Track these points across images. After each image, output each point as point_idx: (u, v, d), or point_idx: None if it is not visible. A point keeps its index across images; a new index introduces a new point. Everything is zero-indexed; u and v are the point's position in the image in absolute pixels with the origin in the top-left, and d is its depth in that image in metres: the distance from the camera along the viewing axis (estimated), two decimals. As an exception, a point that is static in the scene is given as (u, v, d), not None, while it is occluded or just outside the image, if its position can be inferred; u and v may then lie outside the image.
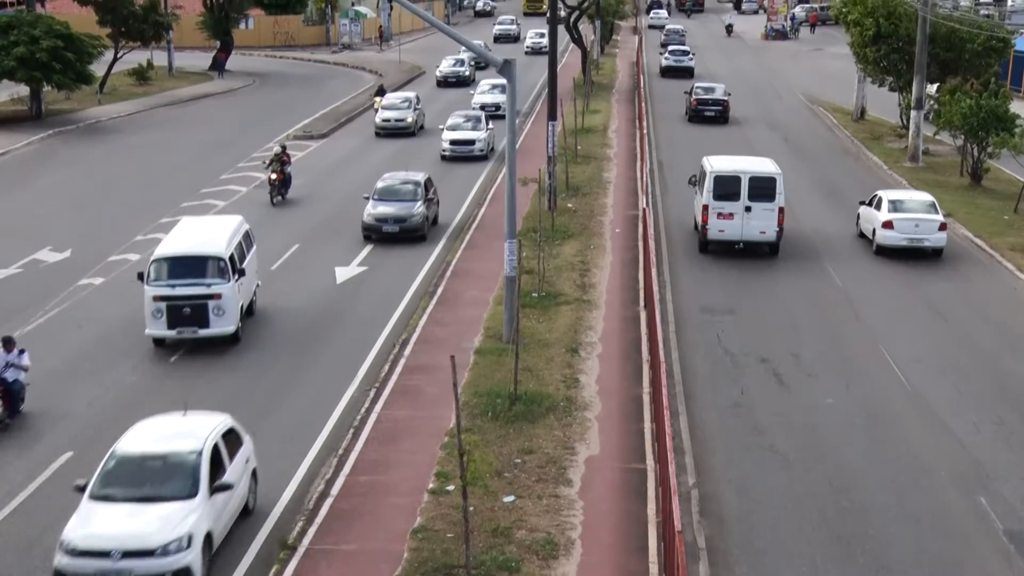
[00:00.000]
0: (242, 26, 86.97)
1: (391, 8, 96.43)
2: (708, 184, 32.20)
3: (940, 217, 32.75)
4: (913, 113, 45.83)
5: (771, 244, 32.38)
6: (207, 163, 45.23)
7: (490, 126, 47.38)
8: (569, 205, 37.46)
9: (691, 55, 74.31)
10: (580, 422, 20.93)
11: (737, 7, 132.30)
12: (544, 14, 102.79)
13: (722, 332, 26.24)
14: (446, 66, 69.74)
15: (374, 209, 33.50)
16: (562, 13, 61.87)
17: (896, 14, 48.34)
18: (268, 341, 25.54)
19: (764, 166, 33.29)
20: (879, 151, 48.25)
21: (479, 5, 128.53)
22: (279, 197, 38.19)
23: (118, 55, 64.17)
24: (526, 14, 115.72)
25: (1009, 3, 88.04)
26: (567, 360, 23.97)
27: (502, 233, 25.83)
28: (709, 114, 54.66)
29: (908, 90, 47.55)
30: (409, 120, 51.11)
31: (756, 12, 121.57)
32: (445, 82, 68.44)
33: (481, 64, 68.82)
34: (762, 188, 31.81)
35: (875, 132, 52.84)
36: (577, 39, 67.65)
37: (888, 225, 32.24)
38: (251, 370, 23.92)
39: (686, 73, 70.70)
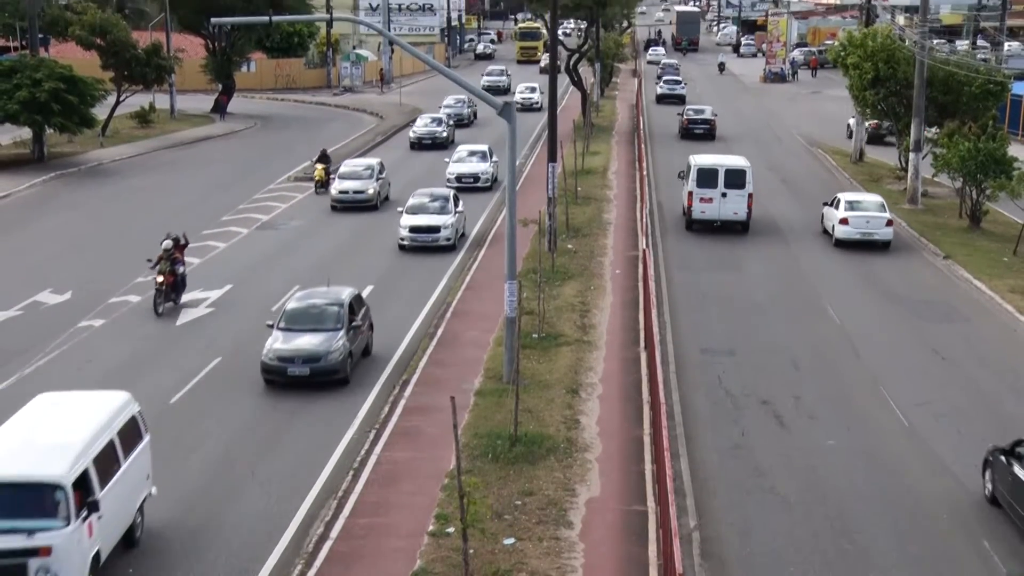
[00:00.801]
0: (244, 69, 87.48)
1: (392, 51, 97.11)
2: (692, 175, 40.18)
3: (887, 215, 38.67)
4: (911, 156, 46.03)
5: (742, 223, 40.14)
6: (208, 205, 45.37)
7: (459, 207, 39.38)
8: (569, 246, 37.53)
9: (683, 84, 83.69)
10: (581, 464, 20.87)
11: (736, 50, 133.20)
12: (538, 62, 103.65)
13: (722, 373, 26.21)
14: (421, 126, 61.72)
15: (278, 343, 24.95)
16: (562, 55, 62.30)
17: (894, 58, 48.61)
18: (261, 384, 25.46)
19: (737, 161, 41.36)
20: (878, 193, 48.32)
21: (480, 48, 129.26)
22: (168, 303, 30.54)
23: (121, 98, 64.53)
24: (520, 62, 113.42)
25: (1006, 48, 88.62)
26: (567, 401, 23.94)
27: (502, 274, 25.87)
28: (698, 131, 62.48)
29: (906, 133, 47.80)
30: (371, 192, 43.68)
31: (754, 55, 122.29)
32: (419, 144, 60.06)
33: (465, 120, 67.61)
34: (735, 178, 39.74)
35: (874, 174, 53.01)
36: (577, 82, 68.02)
37: (844, 221, 38.19)
38: (251, 412, 23.85)
39: (679, 100, 78.72)
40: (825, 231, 39.78)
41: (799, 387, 25.44)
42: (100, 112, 58.76)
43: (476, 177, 47.89)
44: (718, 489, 20.30)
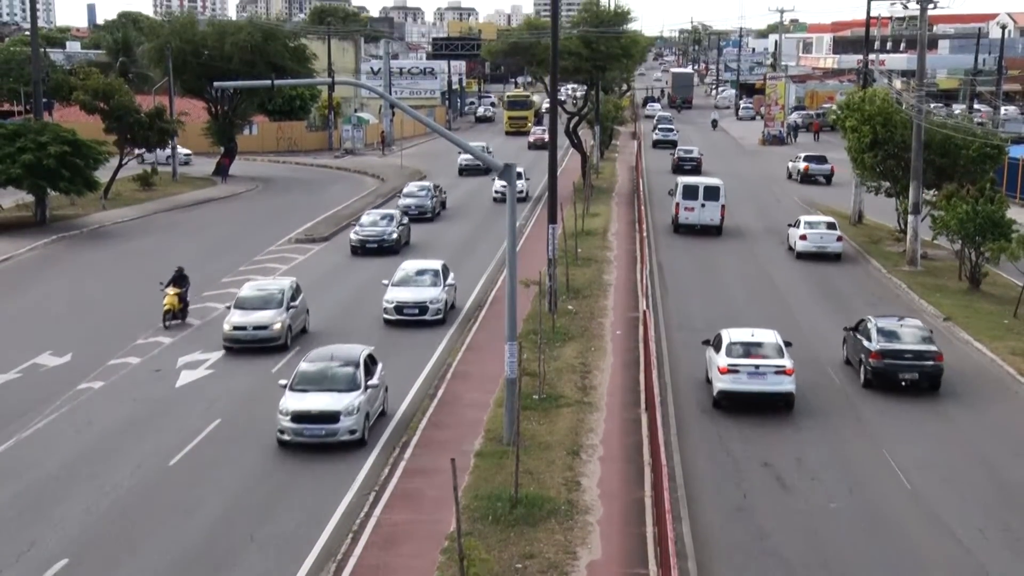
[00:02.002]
0: (246, 132, 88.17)
1: (393, 114, 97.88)
2: (679, 191, 53.27)
3: (837, 232, 48.07)
4: (910, 218, 46.23)
5: (716, 227, 52.24)
6: (209, 267, 45.43)
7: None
8: (570, 307, 37.57)
9: (675, 131, 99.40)
10: (582, 526, 20.74)
11: (736, 112, 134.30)
12: (528, 133, 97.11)
13: (724, 435, 26.12)
14: (367, 223, 49.27)
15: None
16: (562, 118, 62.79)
17: (892, 121, 48.98)
18: (268, 443, 25.38)
19: (713, 180, 54.35)
20: (878, 255, 48.54)
21: (480, 111, 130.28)
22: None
23: (124, 161, 64.94)
24: (508, 133, 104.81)
25: (1002, 112, 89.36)
26: (568, 463, 23.83)
27: (503, 335, 25.87)
28: (687, 167, 73.42)
29: (904, 195, 48.05)
30: (277, 327, 32.63)
31: (753, 118, 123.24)
32: (363, 248, 47.82)
33: (429, 213, 57.25)
34: (711, 193, 52.52)
35: (873, 236, 53.20)
36: (577, 144, 68.55)
37: (803, 238, 47.46)
38: (250, 473, 23.74)
39: (672, 144, 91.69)
40: (790, 248, 48.75)
41: (800, 448, 25.33)
42: (102, 175, 59.06)
43: (423, 307, 35.61)
44: (720, 552, 20.15)
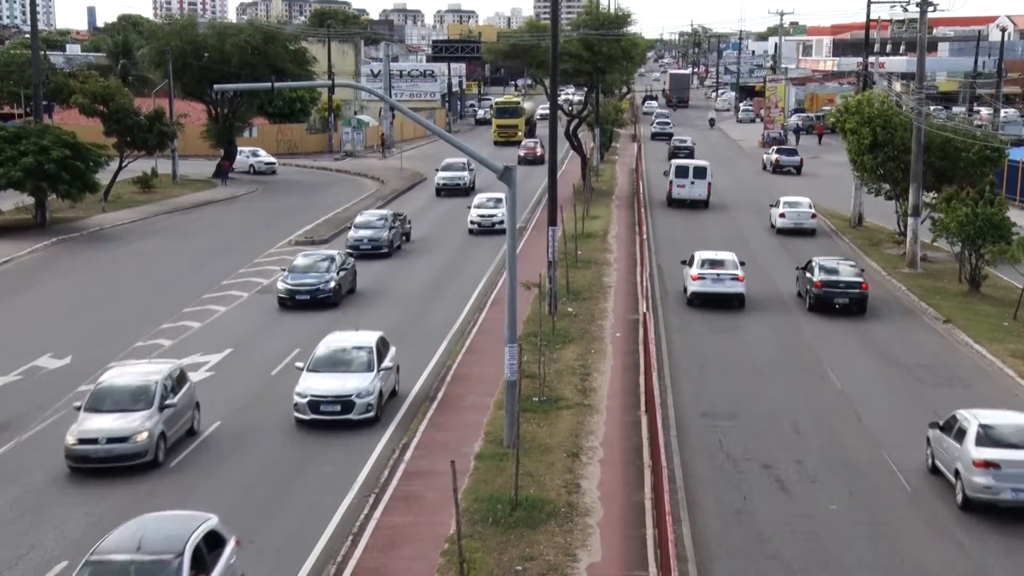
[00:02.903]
0: (246, 134, 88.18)
1: (393, 117, 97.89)
2: (672, 171, 62.84)
3: (812, 211, 54.75)
4: (910, 220, 46.23)
5: (704, 201, 61.55)
6: (208, 269, 45.50)
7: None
8: (570, 309, 37.56)
9: (671, 124, 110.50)
10: (582, 528, 20.73)
11: (736, 114, 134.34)
12: (519, 143, 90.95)
13: (724, 437, 26.12)
14: (301, 267, 39.54)
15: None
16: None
17: (892, 124, 48.99)
18: (266, 447, 25.39)
19: (701, 162, 65.24)
20: (877, 257, 48.56)
21: (480, 114, 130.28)
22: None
23: (123, 164, 64.95)
24: (497, 144, 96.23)
25: (1002, 114, 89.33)
26: (568, 465, 23.82)
27: (502, 337, 25.86)
28: (682, 155, 79.24)
29: (904, 198, 48.04)
30: (141, 439, 23.92)
31: (753, 120, 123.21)
32: (291, 300, 38.28)
33: (385, 248, 47.64)
34: (699, 172, 62.22)
35: (873, 238, 53.22)
36: (577, 146, 68.52)
37: (783, 215, 54.34)
38: (249, 477, 23.74)
39: (667, 136, 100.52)
40: (772, 225, 54.96)
41: (800, 451, 25.33)
42: (102, 178, 59.07)
43: (347, 403, 26.41)
44: (720, 554, 20.14)
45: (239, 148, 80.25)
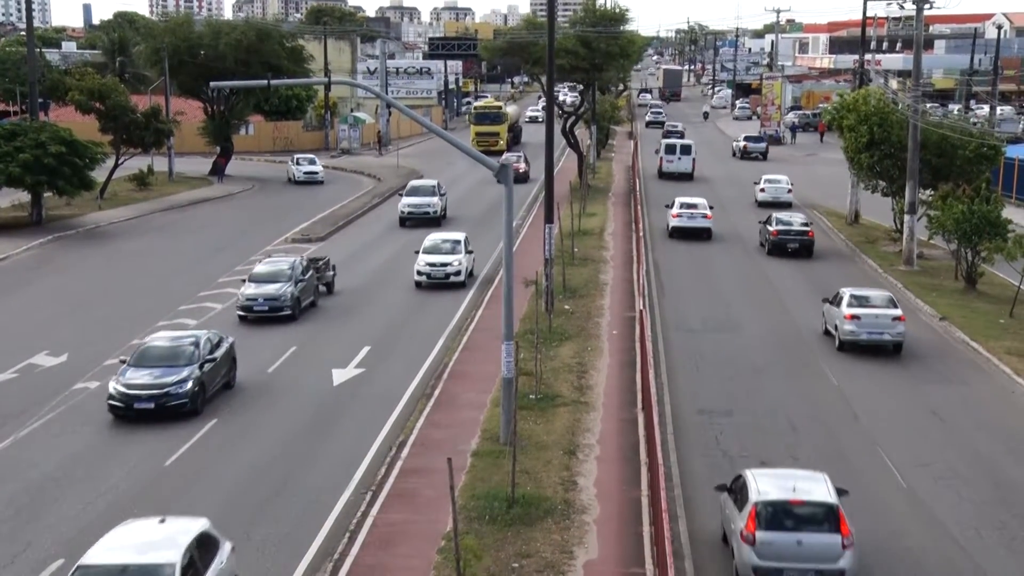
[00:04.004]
0: (242, 132, 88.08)
1: (389, 114, 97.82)
2: (663, 149, 74.35)
3: (789, 186, 62.30)
4: (907, 218, 46.24)
5: (689, 173, 72.41)
6: (204, 267, 45.46)
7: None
8: (566, 307, 37.56)
9: (664, 113, 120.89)
10: (578, 526, 20.73)
11: (731, 111, 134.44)
12: (502, 152, 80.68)
13: (720, 434, 26.13)
14: (136, 359, 28.23)
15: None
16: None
17: (888, 121, 49.00)
18: (264, 443, 25.39)
19: (687, 141, 76.64)
20: (874, 255, 48.58)
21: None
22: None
23: (119, 161, 64.87)
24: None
25: (998, 112, 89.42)
26: (565, 463, 23.83)
27: (499, 335, 25.86)
28: (674, 137, 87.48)
29: (901, 195, 48.07)
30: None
31: (749, 118, 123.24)
32: (125, 411, 26.93)
33: (288, 310, 36.06)
34: (685, 149, 73.55)
35: (870, 236, 53.24)
36: (573, 144, 68.55)
37: (763, 191, 62.22)
38: (246, 473, 23.73)
39: (661, 124, 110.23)
40: (756, 201, 60.87)
41: (797, 448, 25.34)
42: (98, 175, 58.99)
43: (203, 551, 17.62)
44: (716, 553, 20.13)
45: (295, 157, 77.28)
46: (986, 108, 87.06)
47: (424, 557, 19.38)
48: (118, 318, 36.91)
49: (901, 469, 24.08)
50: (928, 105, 62.36)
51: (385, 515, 21.29)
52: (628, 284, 41.87)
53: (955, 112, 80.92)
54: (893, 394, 29.60)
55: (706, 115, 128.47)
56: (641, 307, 34.65)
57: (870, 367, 31.98)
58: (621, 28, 68.34)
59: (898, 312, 32.87)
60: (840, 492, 18.99)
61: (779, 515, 18.03)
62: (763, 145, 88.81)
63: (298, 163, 75.80)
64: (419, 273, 41.20)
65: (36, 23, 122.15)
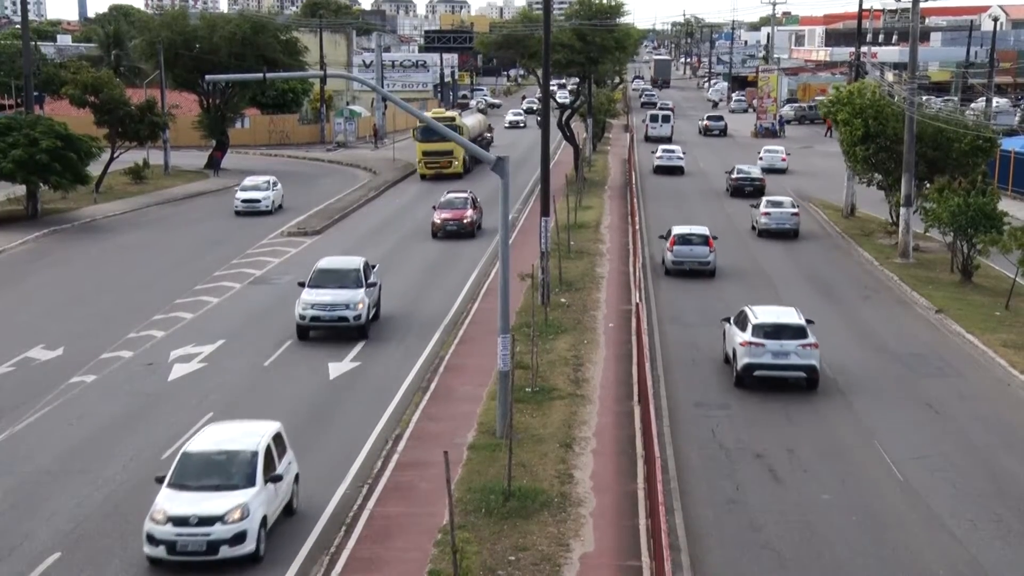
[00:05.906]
0: (238, 125, 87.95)
1: (385, 107, 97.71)
2: (648, 118, 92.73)
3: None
4: (902, 210, 46.24)
5: (668, 138, 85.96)
6: (200, 261, 45.41)
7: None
8: (562, 300, 37.57)
9: (655, 95, 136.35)
10: (575, 518, 20.75)
11: (727, 103, 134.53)
12: (459, 175, 69.72)
13: (716, 427, 26.16)
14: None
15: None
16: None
17: (884, 114, 49.00)
18: (260, 438, 25.35)
19: (668, 112, 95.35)
20: (869, 247, 48.60)
21: (473, 104, 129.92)
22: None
23: (115, 155, 64.76)
24: (425, 178, 70.66)
25: (994, 104, 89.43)
26: (561, 455, 23.85)
27: (495, 328, 25.86)
28: (664, 116, 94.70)
29: (896, 188, 48.09)
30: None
31: (745, 111, 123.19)
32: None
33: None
34: (666, 118, 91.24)
35: (865, 228, 53.24)
36: (569, 137, 68.48)
37: (761, 159, 72.66)
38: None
39: (652, 104, 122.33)
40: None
41: (793, 441, 25.37)
42: (93, 169, 58.90)
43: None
44: (713, 544, 20.18)
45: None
46: (982, 100, 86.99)
47: (420, 550, 19.39)
48: (114, 311, 36.89)
49: (898, 462, 24.11)
50: (924, 98, 62.38)
51: (381, 508, 21.30)
52: (624, 277, 41.88)
53: (956, 101, 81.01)
54: (889, 386, 29.61)
55: (715, 105, 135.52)
56: (637, 300, 34.66)
57: (866, 359, 31.98)
58: (617, 21, 68.25)
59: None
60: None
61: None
62: (722, 124, 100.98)
63: (243, 188, 59.92)
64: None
65: (31, 16, 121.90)
